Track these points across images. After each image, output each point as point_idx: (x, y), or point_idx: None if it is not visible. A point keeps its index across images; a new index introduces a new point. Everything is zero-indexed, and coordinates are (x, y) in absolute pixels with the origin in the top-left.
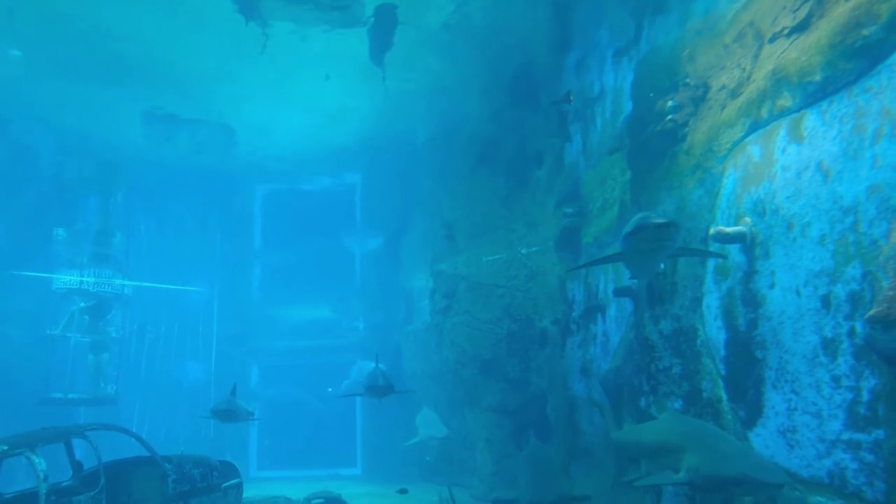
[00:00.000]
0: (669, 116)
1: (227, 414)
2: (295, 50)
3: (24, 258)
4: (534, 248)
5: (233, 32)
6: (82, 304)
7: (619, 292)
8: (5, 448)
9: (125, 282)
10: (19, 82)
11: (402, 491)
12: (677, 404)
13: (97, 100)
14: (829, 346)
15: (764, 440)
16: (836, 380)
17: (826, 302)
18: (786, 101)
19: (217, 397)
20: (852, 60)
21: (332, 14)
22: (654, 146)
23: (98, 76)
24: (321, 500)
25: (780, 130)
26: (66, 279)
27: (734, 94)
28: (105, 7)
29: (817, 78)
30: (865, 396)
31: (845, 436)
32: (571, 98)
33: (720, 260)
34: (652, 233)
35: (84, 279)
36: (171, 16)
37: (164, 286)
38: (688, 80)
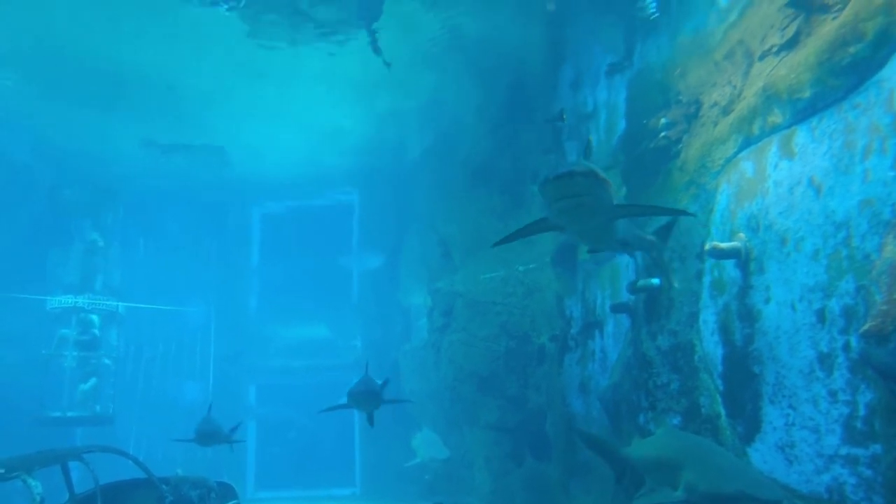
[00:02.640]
0: (663, 133)
1: (210, 437)
2: (290, 70)
3: (19, 279)
4: (531, 266)
5: (228, 54)
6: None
7: (617, 308)
8: (1, 471)
9: (120, 303)
10: (16, 105)
11: None
12: (676, 420)
13: (93, 122)
14: (824, 361)
15: (762, 455)
16: (832, 394)
17: (821, 316)
18: (776, 117)
19: (198, 418)
20: (840, 77)
21: (327, 34)
22: (649, 163)
23: (94, 99)
24: None
25: (772, 146)
26: (61, 300)
27: (726, 111)
28: (101, 32)
29: (806, 95)
30: (862, 411)
31: (843, 451)
32: (565, 116)
33: (716, 276)
34: (555, 186)
35: (78, 300)
36: (167, 40)
37: (161, 307)
38: (680, 98)
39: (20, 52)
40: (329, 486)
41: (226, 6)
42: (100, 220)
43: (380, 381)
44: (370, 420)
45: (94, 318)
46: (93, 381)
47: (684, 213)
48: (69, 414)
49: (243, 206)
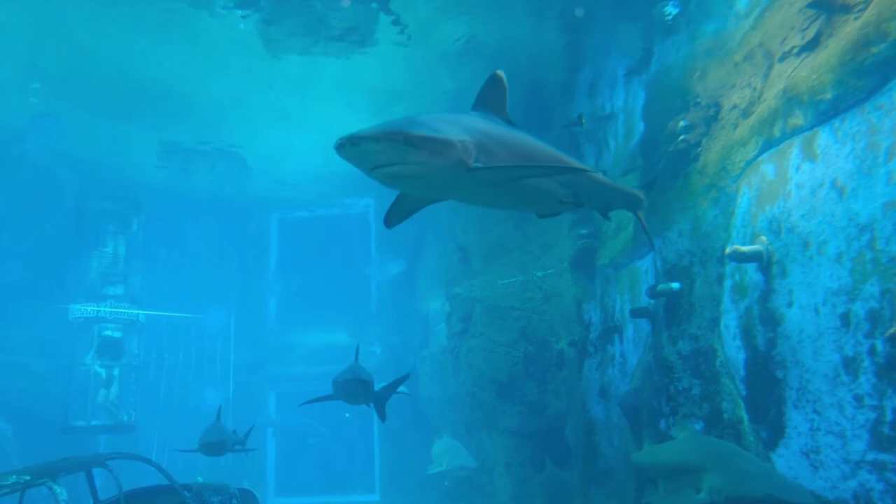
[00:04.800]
0: (682, 136)
1: (216, 447)
2: (308, 79)
3: (44, 288)
4: (549, 271)
5: (246, 65)
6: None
7: (636, 313)
8: (27, 478)
9: (142, 311)
10: (42, 117)
11: None
12: (698, 426)
13: (116, 132)
14: (850, 365)
15: (787, 461)
16: (858, 399)
17: (845, 320)
18: (798, 119)
19: (205, 426)
20: (863, 78)
21: (342, 41)
22: (668, 167)
23: (117, 110)
24: None
25: (794, 149)
26: (84, 309)
27: (746, 114)
28: (123, 46)
29: (828, 96)
30: (889, 416)
31: (870, 456)
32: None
33: (738, 280)
34: (340, 154)
35: (101, 309)
36: (187, 52)
37: (181, 314)
38: (699, 100)
39: (46, 66)
40: (349, 493)
41: (244, 17)
42: (122, 229)
43: (395, 378)
44: (381, 414)
45: (117, 326)
46: (115, 389)
47: (581, 169)
48: (93, 423)
49: (262, 214)
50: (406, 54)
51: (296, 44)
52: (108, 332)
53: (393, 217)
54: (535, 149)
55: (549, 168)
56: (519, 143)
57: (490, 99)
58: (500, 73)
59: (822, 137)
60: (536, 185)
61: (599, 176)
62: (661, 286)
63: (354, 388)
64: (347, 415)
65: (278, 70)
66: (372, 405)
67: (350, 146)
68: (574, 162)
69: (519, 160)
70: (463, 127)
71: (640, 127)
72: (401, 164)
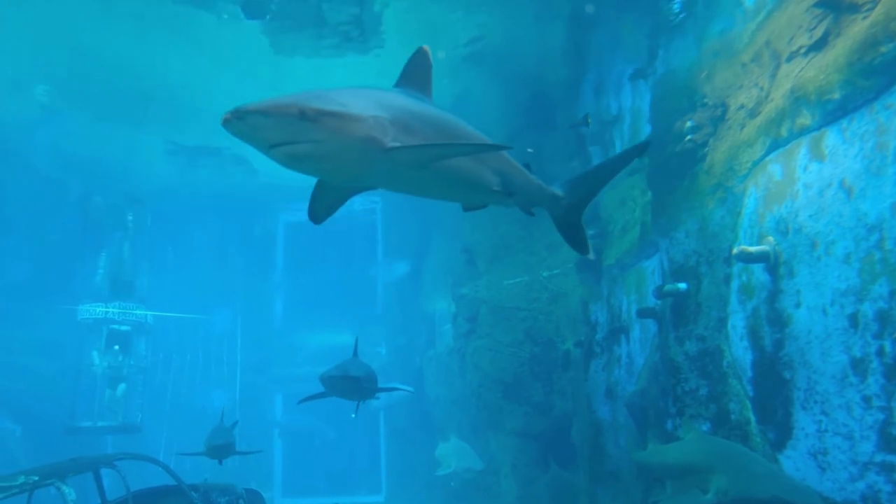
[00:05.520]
0: (689, 137)
1: (223, 449)
2: (313, 79)
3: (51, 289)
4: (555, 271)
5: (251, 66)
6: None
7: (643, 313)
8: (36, 479)
9: (149, 311)
10: (48, 118)
11: None
12: (705, 426)
13: (122, 134)
14: (858, 366)
15: (794, 462)
16: (866, 400)
17: (854, 321)
18: (805, 119)
19: (210, 428)
20: (871, 78)
21: (347, 43)
22: (674, 167)
23: (122, 111)
24: None
25: (801, 149)
26: (91, 310)
27: (753, 114)
28: (129, 47)
29: (836, 96)
30: None
31: (878, 458)
32: (590, 121)
33: (745, 280)
34: (232, 129)
35: (109, 310)
36: (193, 53)
37: (188, 315)
38: (706, 101)
39: (53, 68)
40: (355, 493)
41: (250, 20)
42: (129, 230)
43: (404, 385)
44: (357, 405)
45: (124, 327)
46: (122, 390)
47: (490, 147)
48: (99, 424)
49: (268, 215)
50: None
51: (302, 45)
52: (115, 334)
53: (316, 210)
54: (462, 129)
55: (476, 147)
56: (444, 122)
57: (415, 75)
58: (426, 47)
59: (830, 137)
60: (468, 170)
61: (519, 166)
62: (667, 286)
63: (344, 385)
64: (353, 415)
65: (284, 71)
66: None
67: (235, 120)
68: (493, 142)
69: (445, 140)
70: (378, 102)
71: (646, 127)
72: (300, 143)
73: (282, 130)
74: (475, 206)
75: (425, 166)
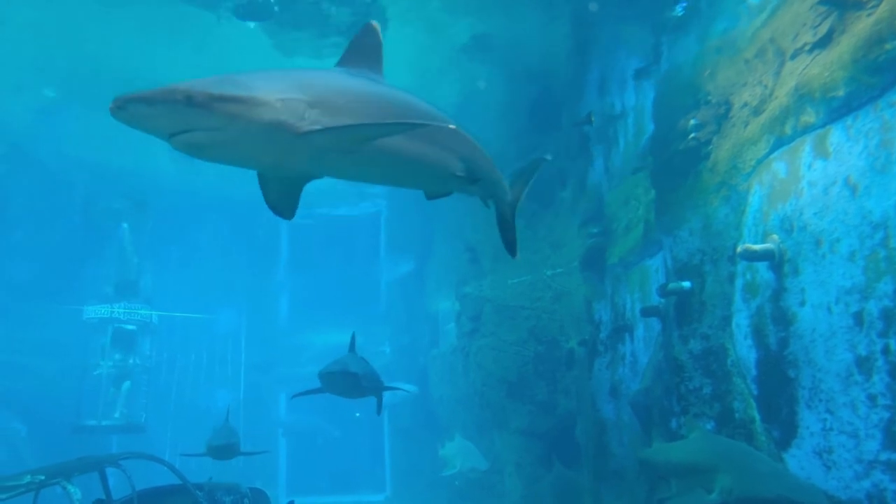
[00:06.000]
0: (692, 135)
1: (225, 450)
2: None
3: (57, 290)
4: (558, 270)
5: (257, 65)
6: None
7: (647, 312)
8: (42, 478)
9: (153, 311)
10: (53, 119)
11: None
12: (709, 425)
13: (126, 132)
14: (863, 365)
15: (799, 461)
16: (871, 398)
17: (858, 319)
18: (809, 117)
19: (213, 428)
20: (876, 75)
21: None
22: (678, 165)
23: None
24: None
25: (805, 146)
26: (97, 310)
27: (757, 112)
28: (133, 47)
29: (841, 93)
30: None
31: (883, 456)
32: (593, 119)
33: (749, 279)
34: (119, 118)
35: (114, 309)
36: (197, 54)
37: (193, 315)
38: (709, 98)
39: (58, 69)
40: (360, 492)
41: (253, 21)
42: (133, 230)
43: (407, 384)
44: (378, 406)
45: (129, 327)
46: (127, 390)
47: (423, 125)
48: (104, 423)
49: (272, 215)
50: (415, 53)
51: (304, 44)
52: (121, 334)
53: (271, 202)
54: (416, 108)
55: (403, 125)
56: (387, 101)
57: (361, 53)
58: (374, 23)
59: (835, 135)
60: (422, 154)
61: (485, 153)
62: (671, 285)
63: (342, 380)
64: (358, 415)
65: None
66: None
67: (117, 109)
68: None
69: (384, 120)
70: (297, 83)
71: (650, 126)
72: (196, 131)
73: (171, 118)
74: (438, 193)
75: (359, 151)
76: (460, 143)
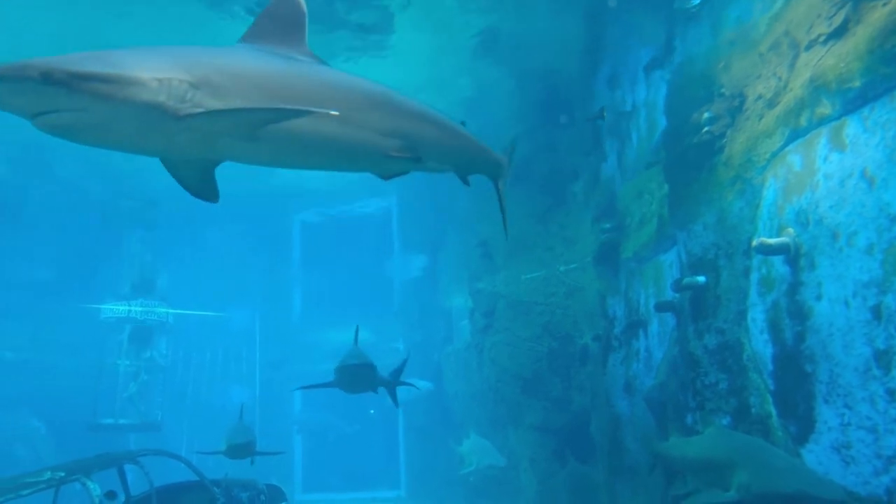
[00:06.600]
0: (706, 128)
1: (243, 449)
2: None
3: (75, 289)
4: (572, 265)
5: None
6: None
7: (661, 307)
8: (62, 475)
9: (169, 310)
10: None
11: None
12: (725, 420)
13: None
14: (881, 359)
15: (817, 456)
16: (890, 393)
17: (876, 313)
18: (825, 108)
19: (228, 426)
20: (892, 65)
21: (358, 41)
22: (692, 159)
23: None
24: None
25: (821, 139)
26: (114, 309)
27: (771, 104)
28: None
29: (857, 84)
30: None
31: None
32: (605, 114)
33: (765, 273)
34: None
35: (131, 308)
36: None
37: (208, 313)
38: (723, 91)
39: None
40: (375, 489)
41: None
42: (148, 230)
43: (421, 381)
44: (393, 399)
45: (146, 326)
46: (143, 388)
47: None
48: (121, 421)
49: (285, 212)
50: (425, 51)
51: (315, 43)
52: (137, 333)
53: (187, 186)
54: (331, 84)
55: (286, 111)
56: (295, 81)
57: (276, 26)
58: None
59: (851, 127)
60: (334, 136)
61: (447, 125)
62: (686, 280)
63: (361, 373)
64: (372, 411)
65: None
66: (381, 390)
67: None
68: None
69: (285, 101)
70: (180, 61)
71: (662, 120)
72: (61, 112)
73: (28, 97)
74: (391, 173)
75: (261, 137)
76: (394, 120)
